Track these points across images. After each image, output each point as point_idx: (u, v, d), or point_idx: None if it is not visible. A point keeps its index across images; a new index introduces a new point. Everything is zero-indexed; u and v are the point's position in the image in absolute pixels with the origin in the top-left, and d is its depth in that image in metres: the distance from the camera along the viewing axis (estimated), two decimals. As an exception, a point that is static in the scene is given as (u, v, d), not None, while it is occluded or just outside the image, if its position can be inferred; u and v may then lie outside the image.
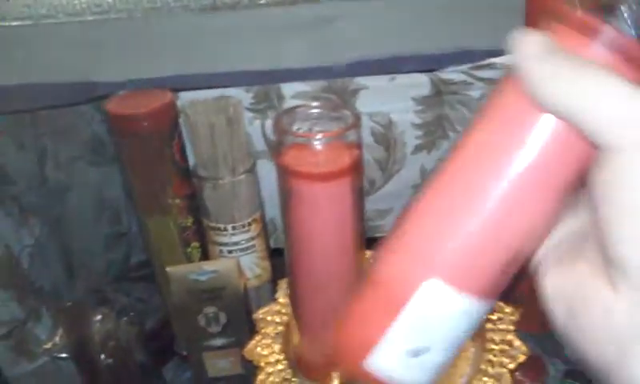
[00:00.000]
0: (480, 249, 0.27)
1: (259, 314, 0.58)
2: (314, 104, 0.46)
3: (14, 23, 0.52)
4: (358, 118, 0.44)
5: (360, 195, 0.46)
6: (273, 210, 0.67)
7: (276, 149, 0.45)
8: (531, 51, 0.24)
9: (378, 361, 0.30)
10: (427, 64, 0.58)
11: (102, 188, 0.87)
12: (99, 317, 0.60)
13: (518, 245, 0.27)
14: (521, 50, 0.25)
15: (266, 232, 0.65)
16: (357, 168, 0.44)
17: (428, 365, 0.30)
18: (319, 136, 0.43)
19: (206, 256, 0.63)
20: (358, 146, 0.44)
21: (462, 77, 0.58)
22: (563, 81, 0.23)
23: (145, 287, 0.80)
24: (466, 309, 0.28)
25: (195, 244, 0.62)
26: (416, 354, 0.29)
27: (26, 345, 0.74)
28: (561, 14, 0.25)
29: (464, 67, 0.58)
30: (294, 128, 0.46)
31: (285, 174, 0.45)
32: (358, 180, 0.45)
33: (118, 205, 0.90)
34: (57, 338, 0.60)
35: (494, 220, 0.26)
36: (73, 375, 0.69)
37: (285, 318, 0.58)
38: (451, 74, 0.58)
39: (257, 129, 0.61)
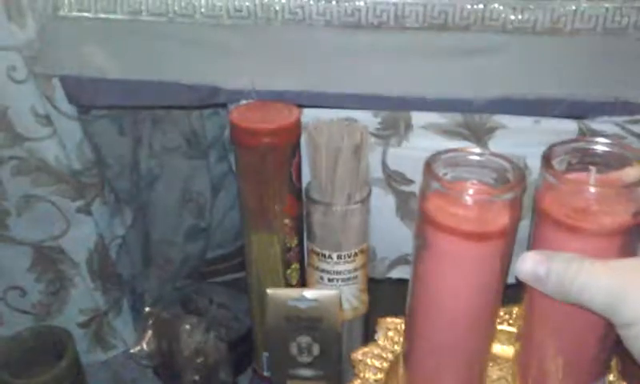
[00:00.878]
0: None
1: (358, 355, 0.55)
2: (476, 151, 0.41)
3: (148, 18, 0.50)
4: (522, 175, 0.39)
5: (508, 258, 0.41)
6: (374, 240, 0.63)
7: (421, 192, 0.41)
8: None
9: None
10: (577, 111, 0.52)
11: (189, 180, 0.86)
12: (188, 327, 0.58)
13: None
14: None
15: (368, 263, 0.61)
16: (511, 231, 0.40)
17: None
18: (471, 191, 0.38)
19: (303, 279, 0.60)
20: (518, 205, 0.39)
21: (615, 129, 0.52)
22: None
23: (226, 292, 0.78)
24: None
25: (295, 265, 0.58)
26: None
27: (102, 335, 0.74)
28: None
29: (619, 119, 0.52)
30: (443, 173, 0.41)
31: (425, 222, 0.41)
32: (511, 242, 0.40)
33: (204, 199, 0.89)
34: (144, 344, 0.58)
35: None
36: (143, 371, 0.67)
37: (385, 363, 0.54)
38: (603, 124, 0.52)
39: (377, 155, 0.57)
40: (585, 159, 0.41)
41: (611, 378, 0.52)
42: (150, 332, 0.58)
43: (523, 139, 0.53)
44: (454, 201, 0.40)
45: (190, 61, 0.53)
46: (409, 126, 0.55)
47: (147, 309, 0.59)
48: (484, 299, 0.42)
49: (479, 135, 0.54)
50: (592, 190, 0.38)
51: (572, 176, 0.40)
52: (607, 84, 0.52)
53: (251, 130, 0.50)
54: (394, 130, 0.55)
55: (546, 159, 0.40)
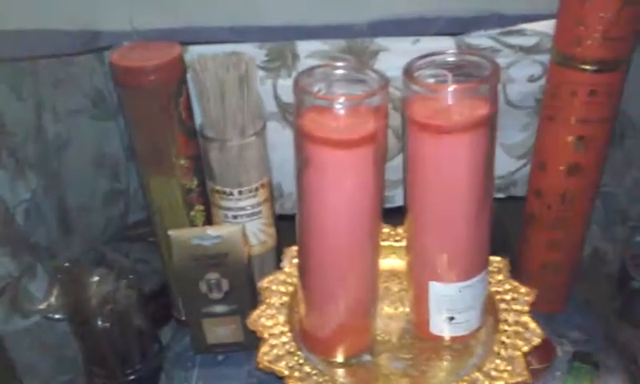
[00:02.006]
0: None
1: (264, 283, 0.56)
2: (338, 64, 0.42)
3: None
4: (385, 81, 0.41)
5: (382, 165, 0.43)
6: (279, 175, 0.64)
7: (295, 110, 0.42)
8: None
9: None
10: (454, 27, 0.54)
11: (101, 143, 0.84)
12: (97, 278, 0.58)
13: None
14: None
15: (272, 198, 0.62)
16: (381, 136, 0.42)
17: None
18: (342, 99, 0.40)
19: (210, 220, 0.60)
20: (384, 112, 0.41)
21: (490, 42, 0.55)
22: None
23: (144, 247, 0.78)
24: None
25: (199, 207, 0.59)
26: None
27: (20, 302, 0.72)
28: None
29: (493, 32, 0.55)
30: (315, 89, 0.43)
31: (302, 139, 0.42)
32: (381, 149, 0.42)
33: (118, 161, 0.87)
34: (52, 299, 0.58)
35: None
36: (68, 336, 0.67)
37: (290, 288, 0.56)
38: (479, 38, 0.55)
39: (268, 89, 0.58)
40: (442, 72, 0.43)
41: (500, 277, 0.55)
42: (57, 286, 0.57)
43: (405, 60, 0.55)
44: (326, 114, 0.41)
45: (66, 6, 0.52)
46: (295, 56, 0.56)
47: (54, 264, 0.58)
48: (362, 208, 0.44)
49: (363, 59, 0.55)
50: (449, 89, 0.40)
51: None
52: (481, -1, 0.54)
53: (132, 69, 0.50)
54: (281, 62, 0.56)
55: (407, 71, 0.42)
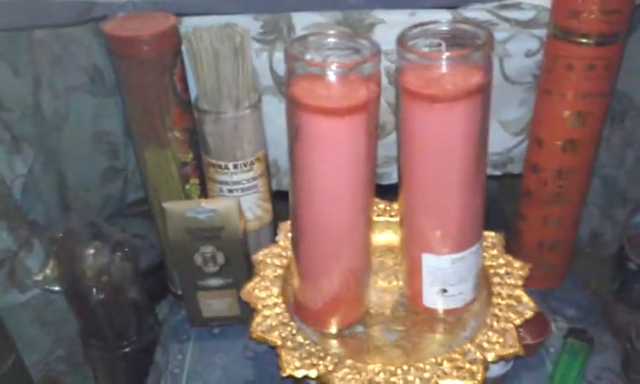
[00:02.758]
0: None
1: (259, 256, 0.57)
2: (330, 32, 0.42)
3: None
4: (377, 49, 0.40)
5: (374, 135, 0.43)
6: (276, 151, 0.64)
7: (286, 79, 0.42)
8: None
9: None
10: (450, 0, 0.54)
11: (99, 120, 0.84)
12: (92, 250, 0.58)
13: None
14: None
15: (268, 173, 0.62)
16: (373, 105, 0.41)
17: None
18: (334, 66, 0.39)
19: (205, 194, 0.61)
20: (376, 80, 0.41)
21: (487, 16, 0.54)
22: None
23: (142, 223, 0.78)
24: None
25: (194, 181, 0.59)
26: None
27: (17, 276, 0.73)
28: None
29: (489, 5, 0.54)
30: (307, 57, 0.42)
31: (293, 107, 0.42)
32: (374, 118, 0.42)
33: (116, 139, 0.87)
34: (48, 271, 0.58)
35: None
36: (66, 311, 0.67)
37: (285, 261, 0.56)
38: (475, 11, 0.54)
39: (264, 62, 0.58)
40: (435, 41, 0.43)
41: (495, 252, 0.55)
42: (54, 257, 0.58)
43: (402, 32, 0.54)
44: (317, 82, 0.41)
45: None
46: (291, 28, 0.55)
47: (49, 235, 0.59)
48: (355, 178, 0.44)
49: (360, 31, 0.55)
50: (442, 57, 0.40)
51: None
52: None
53: (126, 39, 0.50)
54: (277, 34, 0.56)
55: (401, 40, 0.42)
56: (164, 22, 0.51)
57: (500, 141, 0.64)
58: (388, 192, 0.62)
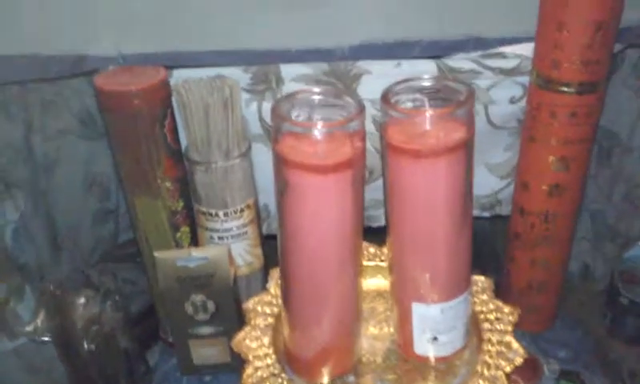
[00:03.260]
0: None
1: (249, 304, 0.56)
2: (316, 90, 0.43)
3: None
4: (361, 106, 0.41)
5: (360, 188, 0.44)
6: (266, 196, 0.65)
7: (273, 136, 0.42)
8: None
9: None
10: (435, 50, 0.55)
11: (91, 163, 0.84)
12: (82, 300, 0.58)
13: None
14: None
15: (258, 218, 0.63)
16: (358, 160, 0.42)
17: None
18: (319, 125, 0.40)
19: (196, 242, 0.61)
20: (361, 136, 0.42)
21: (471, 65, 0.55)
22: None
23: (132, 267, 0.78)
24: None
25: (185, 229, 0.59)
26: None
27: (7, 323, 0.72)
28: None
29: (473, 55, 0.55)
30: (293, 114, 0.43)
31: (281, 164, 0.42)
32: (359, 173, 0.43)
33: (108, 181, 0.87)
34: (39, 321, 0.58)
35: None
36: (56, 358, 0.67)
37: (275, 309, 0.56)
38: (460, 61, 0.55)
39: (253, 111, 0.58)
40: (418, 97, 0.44)
41: (484, 296, 0.56)
42: (44, 308, 0.57)
43: (387, 83, 0.55)
44: (303, 139, 0.41)
45: (52, 30, 0.52)
46: (279, 79, 0.56)
47: (39, 286, 0.59)
48: (342, 231, 0.44)
49: (347, 82, 0.56)
50: (426, 114, 0.41)
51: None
52: (462, 22, 0.55)
53: (117, 93, 0.50)
54: (266, 85, 0.57)
55: (385, 96, 0.43)
56: (154, 75, 0.52)
57: (487, 184, 0.64)
58: (378, 234, 0.62)
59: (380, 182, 0.63)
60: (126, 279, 0.74)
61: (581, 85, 0.50)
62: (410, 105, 0.43)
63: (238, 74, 0.56)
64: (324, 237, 0.44)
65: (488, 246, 0.73)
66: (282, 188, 0.44)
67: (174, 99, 0.54)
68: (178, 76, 0.56)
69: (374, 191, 0.63)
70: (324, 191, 0.42)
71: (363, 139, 0.42)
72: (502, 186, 0.65)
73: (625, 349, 0.65)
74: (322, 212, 0.43)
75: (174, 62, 0.55)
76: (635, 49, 0.62)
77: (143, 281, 0.74)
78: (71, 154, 0.82)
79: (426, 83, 0.43)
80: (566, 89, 0.50)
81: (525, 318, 0.57)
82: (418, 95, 0.43)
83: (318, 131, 0.40)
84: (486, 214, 0.67)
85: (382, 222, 0.67)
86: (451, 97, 0.43)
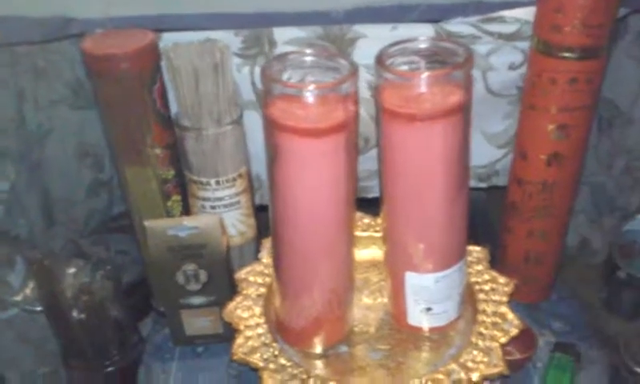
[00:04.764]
0: None
1: (241, 274, 0.56)
2: (308, 51, 0.41)
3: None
4: (354, 68, 0.40)
5: (354, 154, 0.42)
6: (259, 165, 0.63)
7: (263, 99, 0.41)
8: None
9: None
10: (433, 14, 0.53)
11: (83, 133, 0.83)
12: (73, 270, 0.57)
13: None
14: None
15: (251, 188, 0.61)
16: (351, 124, 0.41)
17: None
18: (311, 87, 0.39)
19: (187, 211, 0.60)
20: (354, 100, 0.40)
21: (470, 29, 0.54)
22: None
23: (126, 238, 0.77)
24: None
25: (176, 198, 0.58)
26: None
27: (-1, 293, 0.71)
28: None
29: (472, 19, 0.54)
30: (285, 77, 0.42)
31: (271, 128, 0.41)
32: (352, 137, 0.42)
33: (101, 152, 0.86)
34: (27, 290, 0.57)
35: None
36: (48, 326, 0.66)
37: (267, 279, 0.55)
38: (458, 25, 0.54)
39: (245, 76, 0.57)
40: (415, 59, 0.42)
41: (480, 267, 0.55)
42: (33, 277, 0.57)
43: (383, 47, 0.54)
44: (295, 102, 0.40)
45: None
46: (272, 43, 0.55)
47: (28, 256, 0.58)
48: (335, 197, 0.43)
49: (342, 46, 0.54)
50: (421, 76, 0.39)
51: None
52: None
53: (104, 57, 0.49)
54: (258, 49, 0.55)
55: (380, 58, 0.41)
56: (142, 38, 0.51)
57: (485, 153, 0.63)
58: (373, 205, 0.61)
59: (374, 151, 0.62)
60: (119, 250, 0.73)
61: (583, 50, 0.48)
62: (405, 67, 0.42)
63: (229, 38, 0.54)
64: (316, 203, 0.43)
65: (484, 217, 0.72)
66: (273, 153, 0.42)
67: (163, 64, 0.53)
68: (168, 39, 0.54)
69: (369, 161, 0.61)
70: (316, 156, 0.41)
71: (356, 102, 0.40)
72: (500, 155, 0.64)
73: (621, 322, 0.65)
74: (314, 177, 0.42)
75: (163, 25, 0.53)
76: (639, 16, 0.60)
77: (136, 252, 0.73)
78: (63, 125, 0.80)
79: (423, 45, 0.42)
80: (567, 54, 0.48)
81: (521, 289, 0.56)
82: (414, 57, 0.42)
83: (309, 93, 0.39)
84: (483, 185, 0.66)
85: (377, 193, 0.66)
86: (449, 59, 0.41)
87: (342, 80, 0.39)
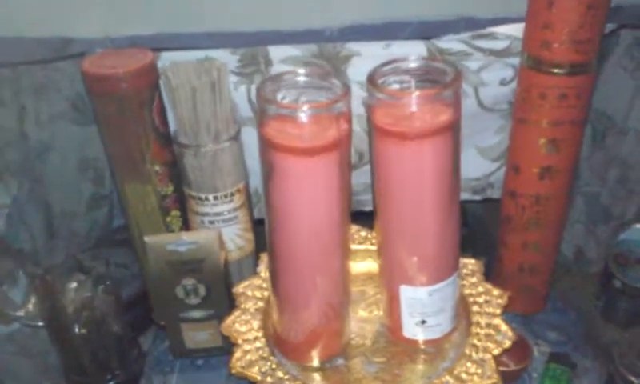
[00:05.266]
0: None
1: (239, 288, 0.57)
2: (302, 71, 0.43)
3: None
4: (347, 88, 0.41)
5: (347, 170, 0.43)
6: (257, 180, 0.64)
7: (258, 119, 0.42)
8: None
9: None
10: (424, 31, 0.55)
11: (84, 147, 0.84)
12: (74, 285, 0.58)
13: None
14: None
15: (249, 202, 0.62)
16: (344, 142, 0.42)
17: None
18: (305, 107, 0.40)
19: (186, 226, 0.61)
20: (347, 118, 0.41)
21: (461, 46, 0.55)
22: None
23: (126, 252, 0.78)
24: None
25: (175, 213, 0.59)
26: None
27: (1, 307, 0.72)
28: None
29: (463, 36, 0.55)
30: (279, 96, 0.43)
31: (266, 147, 0.42)
32: (345, 155, 0.43)
33: (101, 166, 0.87)
34: (30, 306, 0.58)
35: None
36: (48, 342, 0.67)
37: (265, 293, 0.56)
38: (449, 42, 0.55)
39: (243, 94, 0.58)
40: (406, 78, 0.43)
41: (474, 279, 0.56)
42: (35, 293, 0.58)
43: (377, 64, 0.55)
44: (289, 121, 0.41)
45: (38, 13, 0.52)
46: (268, 61, 0.56)
47: (30, 271, 0.59)
48: (329, 213, 0.44)
49: (336, 64, 0.55)
50: (412, 95, 0.40)
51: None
52: (452, 3, 0.54)
53: (103, 77, 0.50)
54: (255, 67, 0.56)
55: (371, 78, 0.42)
56: (142, 58, 0.52)
57: (478, 167, 0.64)
58: (370, 218, 0.62)
59: (369, 166, 0.63)
60: (119, 264, 0.74)
61: (572, 66, 0.49)
62: (396, 86, 0.43)
63: (226, 57, 0.55)
64: (311, 220, 0.44)
65: (480, 230, 0.73)
66: (268, 171, 0.43)
67: (161, 82, 0.54)
68: (166, 58, 0.55)
69: (364, 175, 0.62)
70: (310, 174, 0.42)
71: (349, 121, 0.41)
72: (494, 169, 0.64)
73: (617, 332, 0.65)
74: (308, 195, 0.43)
75: (162, 44, 0.54)
76: (629, 30, 0.61)
77: (136, 266, 0.74)
78: (64, 140, 0.81)
79: (413, 64, 0.43)
80: (556, 70, 0.49)
81: (516, 300, 0.57)
82: (405, 77, 0.43)
83: (303, 113, 0.40)
84: (478, 198, 0.67)
85: (371, 207, 0.67)
86: (439, 78, 0.42)
87: (335, 100, 0.40)
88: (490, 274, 0.59)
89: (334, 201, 0.43)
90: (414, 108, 0.40)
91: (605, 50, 0.61)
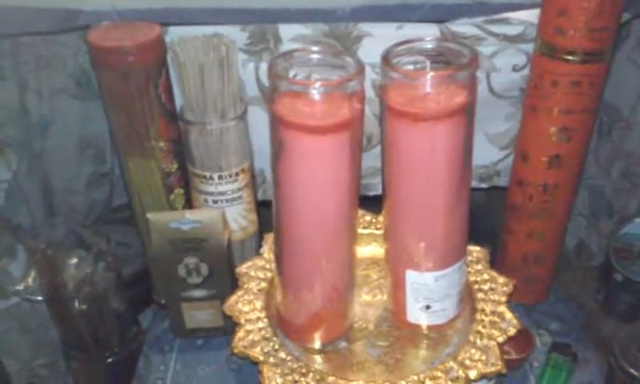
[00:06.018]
0: None
1: (242, 269, 0.56)
2: (315, 49, 0.42)
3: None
4: (361, 66, 0.40)
5: (358, 152, 0.43)
6: (262, 160, 0.64)
7: (269, 95, 0.41)
8: None
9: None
10: (438, 14, 0.54)
11: (86, 124, 0.83)
12: (74, 260, 0.58)
13: None
14: None
15: (254, 183, 0.62)
16: (357, 122, 0.41)
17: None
18: (318, 84, 0.39)
19: (190, 204, 0.60)
20: (360, 98, 0.41)
21: (474, 30, 0.54)
22: None
23: (127, 230, 0.77)
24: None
25: (179, 191, 0.58)
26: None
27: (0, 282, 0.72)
28: None
29: (477, 20, 0.54)
30: (291, 74, 0.42)
31: (277, 124, 0.41)
32: (357, 135, 0.42)
33: (103, 143, 0.86)
34: (29, 280, 0.58)
35: None
36: (48, 316, 0.67)
37: (269, 274, 0.55)
38: (463, 26, 0.54)
39: (250, 72, 0.57)
40: (420, 59, 0.42)
41: (479, 267, 0.55)
42: (35, 267, 0.57)
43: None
44: (301, 99, 0.40)
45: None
46: (278, 40, 0.55)
47: (30, 245, 0.58)
48: (338, 194, 0.43)
49: (347, 44, 0.55)
50: (427, 76, 0.40)
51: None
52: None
53: (110, 49, 0.49)
54: (264, 45, 0.55)
55: (385, 57, 0.41)
56: (149, 32, 0.51)
57: (486, 154, 0.64)
58: (375, 203, 0.62)
59: (378, 149, 0.63)
60: (120, 242, 0.74)
61: (586, 53, 0.48)
62: (410, 67, 0.42)
63: (235, 33, 0.54)
64: (319, 200, 0.43)
65: (484, 218, 0.73)
66: (278, 149, 0.43)
67: (169, 58, 0.53)
68: (174, 33, 0.54)
69: (371, 158, 0.62)
70: (320, 153, 0.41)
71: (362, 101, 0.41)
72: (502, 156, 0.64)
73: (617, 325, 0.65)
74: (317, 174, 0.42)
75: (170, 18, 0.53)
76: (640, 21, 0.61)
77: (137, 244, 0.74)
78: (66, 115, 0.80)
79: (429, 45, 0.42)
80: (570, 57, 0.49)
81: (519, 290, 0.57)
82: (419, 57, 0.42)
83: (315, 90, 0.39)
84: (484, 185, 0.67)
85: (379, 191, 0.66)
86: (454, 60, 0.41)
87: (348, 78, 0.40)
88: (494, 263, 0.58)
89: (344, 182, 0.43)
90: (428, 89, 0.40)
91: (616, 41, 0.61)
